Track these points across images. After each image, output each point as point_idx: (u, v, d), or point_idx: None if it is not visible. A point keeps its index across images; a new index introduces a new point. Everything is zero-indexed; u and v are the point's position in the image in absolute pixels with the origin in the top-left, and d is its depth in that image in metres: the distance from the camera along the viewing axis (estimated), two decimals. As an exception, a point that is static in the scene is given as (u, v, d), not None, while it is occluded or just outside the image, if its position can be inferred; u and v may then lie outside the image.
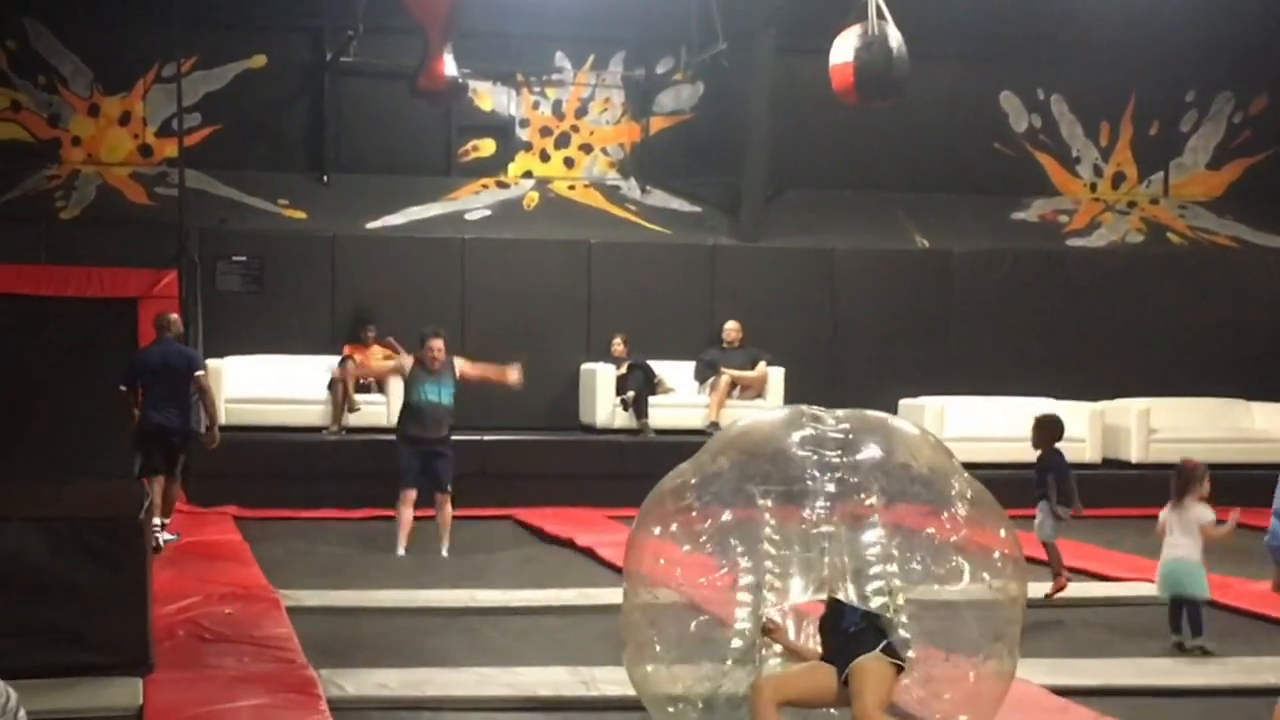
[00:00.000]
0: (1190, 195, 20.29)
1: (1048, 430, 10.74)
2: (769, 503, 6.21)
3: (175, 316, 13.66)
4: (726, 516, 6.27)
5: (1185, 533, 8.99)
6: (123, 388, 12.91)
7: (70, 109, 17.77)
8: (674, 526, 6.41)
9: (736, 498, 6.28)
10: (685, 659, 6.35)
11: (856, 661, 6.02)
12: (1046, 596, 10.16)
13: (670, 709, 6.37)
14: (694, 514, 6.33)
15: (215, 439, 13.16)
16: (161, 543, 11.87)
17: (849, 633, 6.13)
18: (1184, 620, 8.96)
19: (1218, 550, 9.46)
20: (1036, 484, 10.51)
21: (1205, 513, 9.01)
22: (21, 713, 5.48)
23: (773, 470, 6.28)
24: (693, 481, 6.43)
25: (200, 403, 13.19)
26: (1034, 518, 10.44)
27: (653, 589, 6.45)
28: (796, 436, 6.30)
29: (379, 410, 16.10)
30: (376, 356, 15.93)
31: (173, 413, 12.77)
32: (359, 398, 16.06)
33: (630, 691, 7.53)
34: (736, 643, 6.24)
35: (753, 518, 6.22)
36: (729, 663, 6.24)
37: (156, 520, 11.80)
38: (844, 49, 13.60)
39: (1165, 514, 9.13)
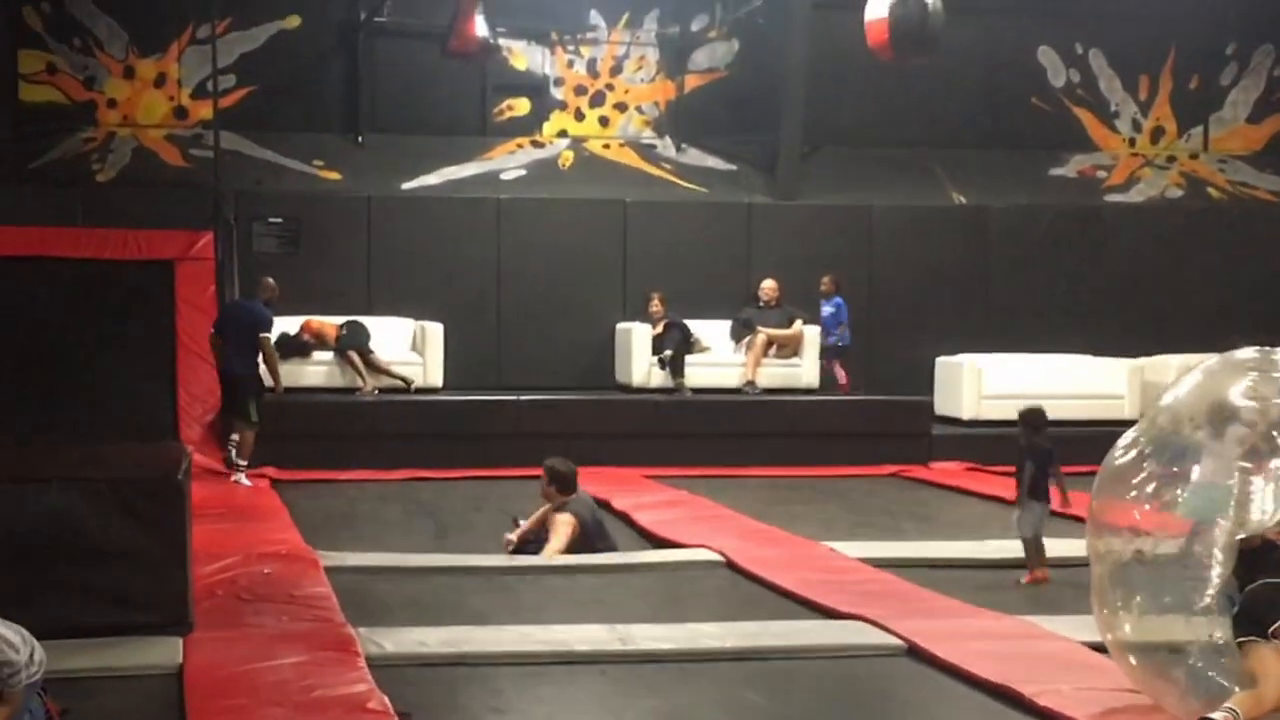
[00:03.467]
0: (1230, 149, 20.12)
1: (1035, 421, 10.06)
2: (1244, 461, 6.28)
3: (268, 281, 14.75)
4: (1196, 474, 6.38)
5: None
6: (212, 332, 14.48)
7: (105, 71, 17.80)
8: (1149, 488, 6.50)
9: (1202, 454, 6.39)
10: (1161, 611, 6.41)
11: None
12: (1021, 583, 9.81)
13: (1143, 658, 6.47)
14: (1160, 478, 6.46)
15: (278, 392, 14.39)
16: (240, 480, 13.76)
17: None
18: None
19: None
20: (1035, 476, 9.83)
21: None
22: (40, 668, 5.56)
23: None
24: (1149, 450, 6.55)
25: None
26: (1034, 504, 9.82)
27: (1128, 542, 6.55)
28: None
29: (415, 370, 16.15)
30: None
31: (237, 362, 14.12)
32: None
33: (666, 646, 7.57)
34: (1209, 594, 6.24)
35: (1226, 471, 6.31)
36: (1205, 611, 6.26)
37: (242, 460, 13.90)
38: (879, 4, 13.50)
39: None
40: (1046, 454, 9.88)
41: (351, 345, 15.99)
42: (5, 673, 5.39)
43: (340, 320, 16.14)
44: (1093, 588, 6.74)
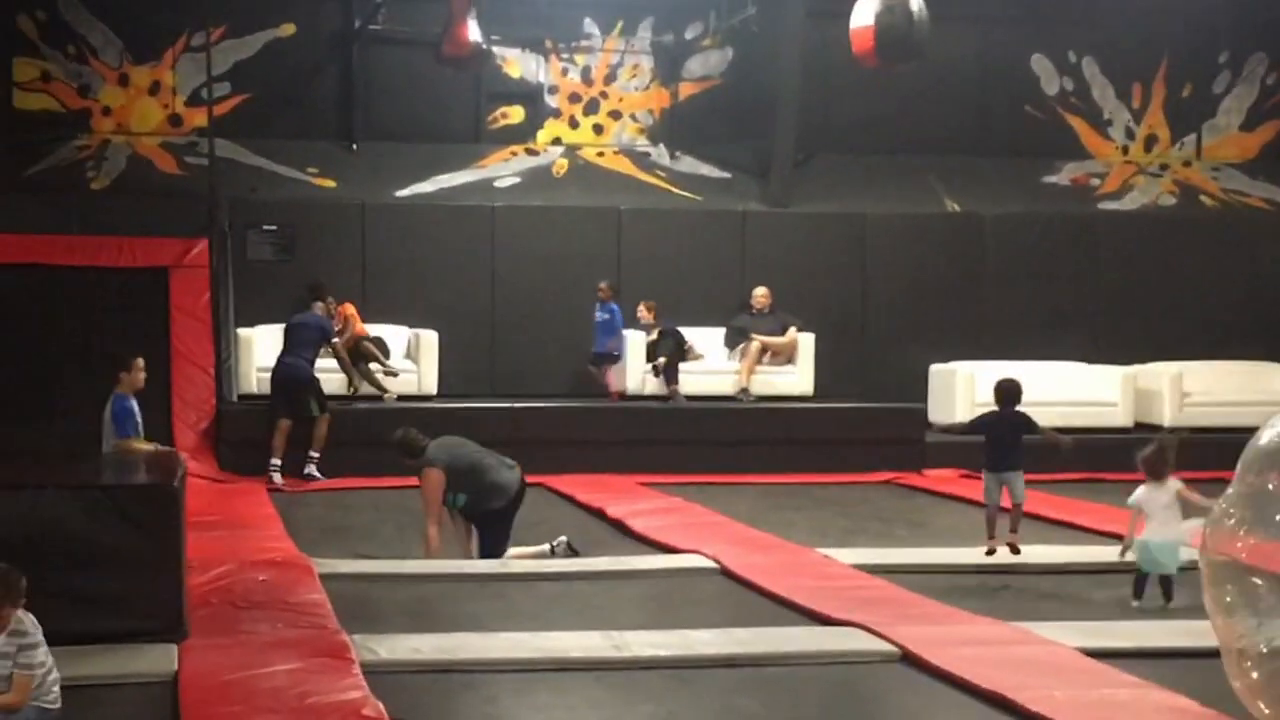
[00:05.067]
0: (1223, 157, 20.15)
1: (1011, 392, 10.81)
2: None
3: (316, 286, 15.41)
4: None
5: (1167, 509, 9.04)
6: None
7: (100, 79, 17.81)
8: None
9: None
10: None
11: None
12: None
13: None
14: None
15: (354, 392, 15.46)
16: (310, 474, 14.58)
17: None
18: (1147, 588, 9.11)
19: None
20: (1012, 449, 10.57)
21: (1176, 483, 9.13)
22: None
23: None
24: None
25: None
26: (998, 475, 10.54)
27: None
28: None
29: (411, 379, 16.16)
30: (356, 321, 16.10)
31: (288, 363, 14.71)
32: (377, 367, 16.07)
33: (661, 652, 7.58)
34: None
35: None
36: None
37: (313, 452, 14.64)
38: (865, 12, 13.56)
39: (1142, 495, 9.15)
40: (1023, 423, 10.55)
41: (371, 353, 16.01)
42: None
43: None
44: (1205, 588, 6.37)
